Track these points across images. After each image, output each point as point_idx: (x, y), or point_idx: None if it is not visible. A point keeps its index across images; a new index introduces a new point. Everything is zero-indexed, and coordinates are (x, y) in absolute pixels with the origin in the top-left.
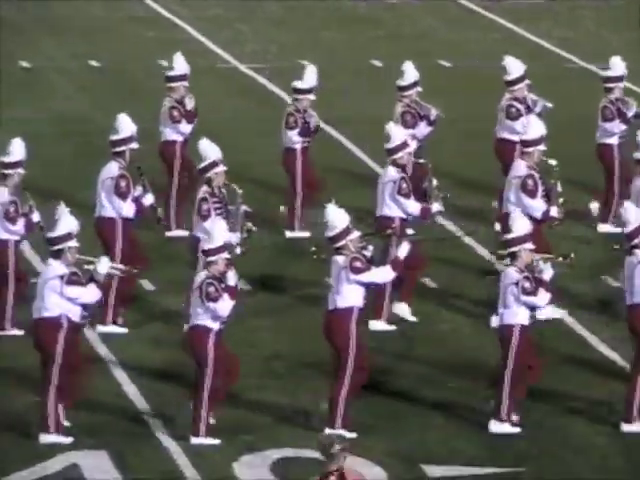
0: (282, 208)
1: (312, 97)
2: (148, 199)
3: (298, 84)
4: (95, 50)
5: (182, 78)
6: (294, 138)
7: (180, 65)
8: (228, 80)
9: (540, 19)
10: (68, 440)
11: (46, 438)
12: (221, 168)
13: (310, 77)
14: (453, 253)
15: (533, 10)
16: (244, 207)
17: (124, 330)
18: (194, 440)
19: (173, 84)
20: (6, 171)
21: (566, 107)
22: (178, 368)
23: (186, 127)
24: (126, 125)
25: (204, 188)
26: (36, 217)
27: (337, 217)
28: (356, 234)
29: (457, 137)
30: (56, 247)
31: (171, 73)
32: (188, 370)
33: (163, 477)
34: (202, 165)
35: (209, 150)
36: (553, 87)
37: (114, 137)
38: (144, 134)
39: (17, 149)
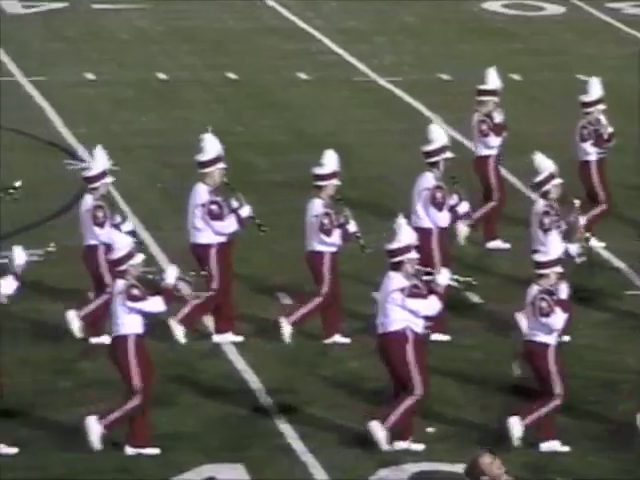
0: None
1: (601, 107)
2: (463, 207)
3: (585, 98)
4: (231, 62)
5: (493, 93)
6: (588, 149)
7: (492, 80)
8: (365, 92)
9: None
10: (420, 447)
11: (399, 445)
12: (557, 181)
13: (595, 89)
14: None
15: None
16: (582, 217)
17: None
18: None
19: (483, 98)
20: (320, 183)
21: None
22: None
23: (495, 140)
24: (440, 135)
25: (542, 202)
26: (352, 227)
27: None
28: None
29: None
30: (396, 259)
31: (482, 87)
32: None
33: None
34: (539, 179)
35: (544, 164)
36: None
37: (428, 148)
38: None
39: (331, 161)
